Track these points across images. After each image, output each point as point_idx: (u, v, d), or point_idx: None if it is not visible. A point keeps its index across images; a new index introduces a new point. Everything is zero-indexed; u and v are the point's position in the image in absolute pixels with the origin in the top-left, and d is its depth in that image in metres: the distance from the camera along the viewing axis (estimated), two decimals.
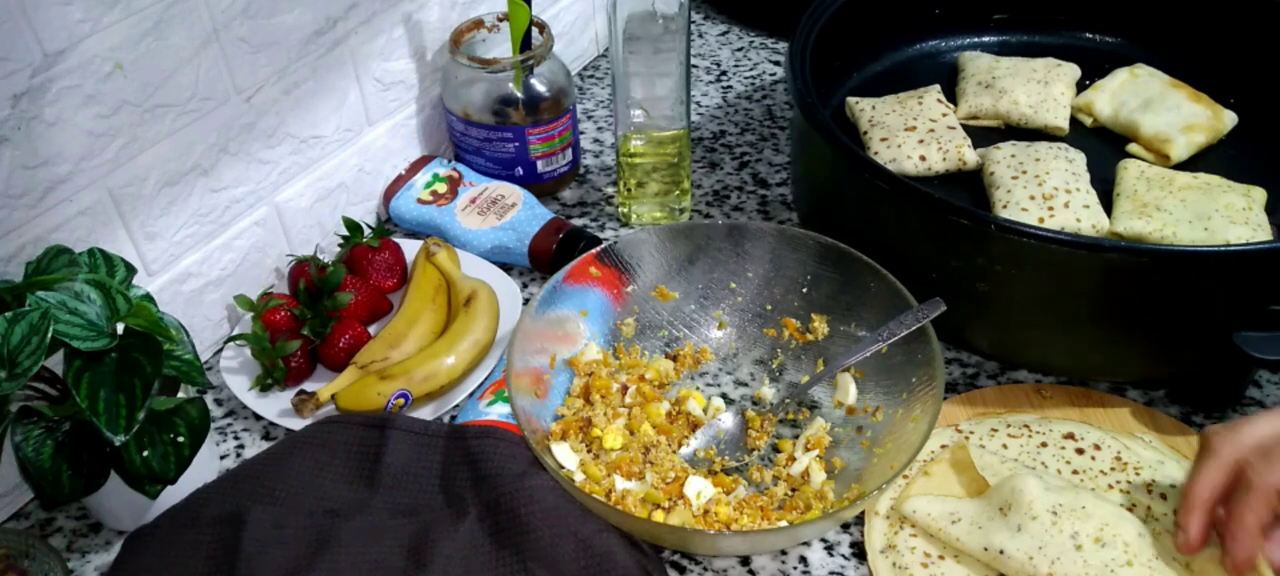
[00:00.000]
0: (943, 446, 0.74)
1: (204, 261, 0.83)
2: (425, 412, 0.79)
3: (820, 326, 0.80)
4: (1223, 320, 0.70)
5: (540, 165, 0.99)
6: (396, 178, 1.00)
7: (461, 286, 0.85)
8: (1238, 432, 0.61)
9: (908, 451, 0.66)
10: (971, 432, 0.75)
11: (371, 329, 0.86)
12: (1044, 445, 0.73)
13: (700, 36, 1.25)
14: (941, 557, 0.66)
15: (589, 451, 0.73)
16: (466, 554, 0.67)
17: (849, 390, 0.77)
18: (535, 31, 0.97)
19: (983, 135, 0.95)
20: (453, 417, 0.80)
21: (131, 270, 0.68)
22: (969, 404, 0.78)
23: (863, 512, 0.70)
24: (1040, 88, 0.96)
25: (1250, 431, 0.60)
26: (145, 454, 0.63)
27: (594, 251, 0.80)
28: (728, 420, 0.77)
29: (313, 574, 0.65)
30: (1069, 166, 0.86)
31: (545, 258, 0.91)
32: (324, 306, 0.83)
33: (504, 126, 0.97)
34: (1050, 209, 0.82)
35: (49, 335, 0.57)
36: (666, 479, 0.71)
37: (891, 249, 0.76)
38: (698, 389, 0.80)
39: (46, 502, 0.73)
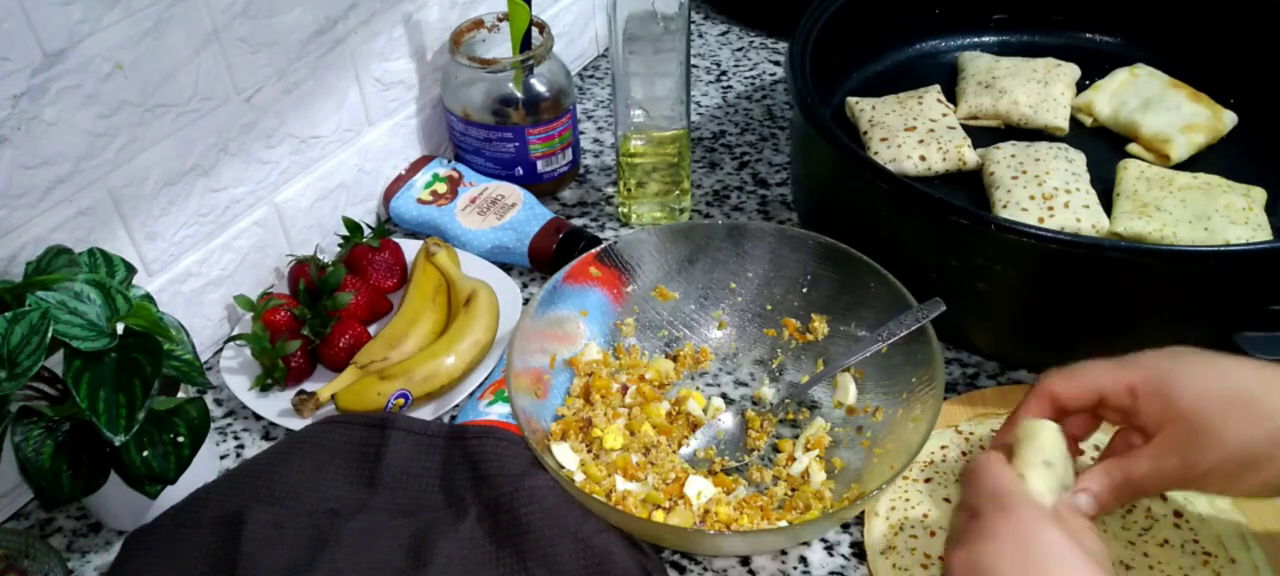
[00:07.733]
0: (942, 447, 0.74)
1: (204, 261, 0.83)
2: (425, 412, 0.79)
3: (820, 326, 0.80)
4: (1223, 320, 0.70)
5: (540, 165, 0.99)
6: (396, 178, 1.00)
7: (461, 286, 0.85)
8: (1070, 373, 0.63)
9: (908, 451, 0.66)
10: (971, 433, 0.75)
11: (371, 329, 0.86)
12: None
13: (700, 36, 1.25)
14: (941, 558, 0.66)
15: (589, 451, 0.73)
16: (466, 554, 0.67)
17: (849, 390, 0.77)
18: (535, 31, 0.97)
19: (983, 135, 0.95)
20: (453, 417, 0.80)
21: (131, 270, 0.68)
22: (969, 404, 0.77)
23: (863, 513, 0.70)
24: (1040, 88, 0.96)
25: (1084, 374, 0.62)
26: (145, 454, 0.63)
27: (594, 251, 0.80)
28: (728, 420, 0.77)
29: (313, 574, 0.65)
30: (1069, 166, 0.86)
31: (545, 258, 0.91)
32: (324, 306, 0.83)
33: (504, 126, 0.97)
34: (1050, 209, 0.82)
35: (49, 335, 0.57)
36: (667, 479, 0.71)
37: (891, 249, 0.76)
38: (698, 389, 0.80)
39: (46, 502, 0.73)
